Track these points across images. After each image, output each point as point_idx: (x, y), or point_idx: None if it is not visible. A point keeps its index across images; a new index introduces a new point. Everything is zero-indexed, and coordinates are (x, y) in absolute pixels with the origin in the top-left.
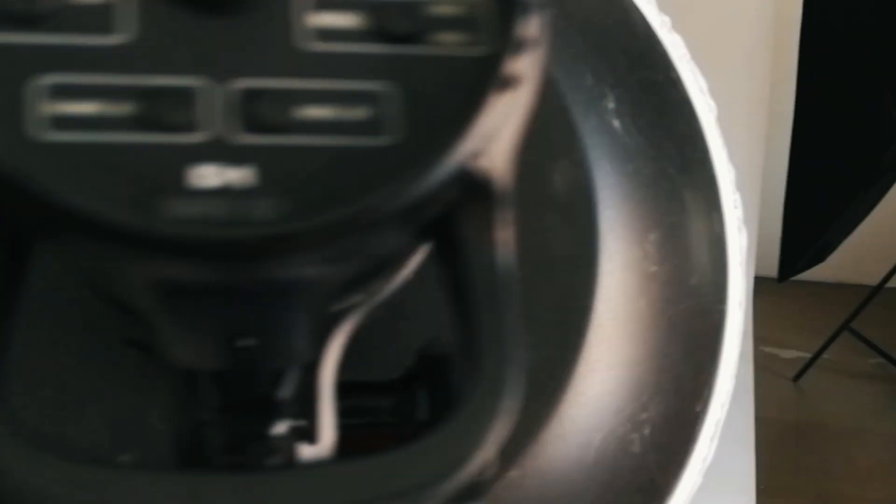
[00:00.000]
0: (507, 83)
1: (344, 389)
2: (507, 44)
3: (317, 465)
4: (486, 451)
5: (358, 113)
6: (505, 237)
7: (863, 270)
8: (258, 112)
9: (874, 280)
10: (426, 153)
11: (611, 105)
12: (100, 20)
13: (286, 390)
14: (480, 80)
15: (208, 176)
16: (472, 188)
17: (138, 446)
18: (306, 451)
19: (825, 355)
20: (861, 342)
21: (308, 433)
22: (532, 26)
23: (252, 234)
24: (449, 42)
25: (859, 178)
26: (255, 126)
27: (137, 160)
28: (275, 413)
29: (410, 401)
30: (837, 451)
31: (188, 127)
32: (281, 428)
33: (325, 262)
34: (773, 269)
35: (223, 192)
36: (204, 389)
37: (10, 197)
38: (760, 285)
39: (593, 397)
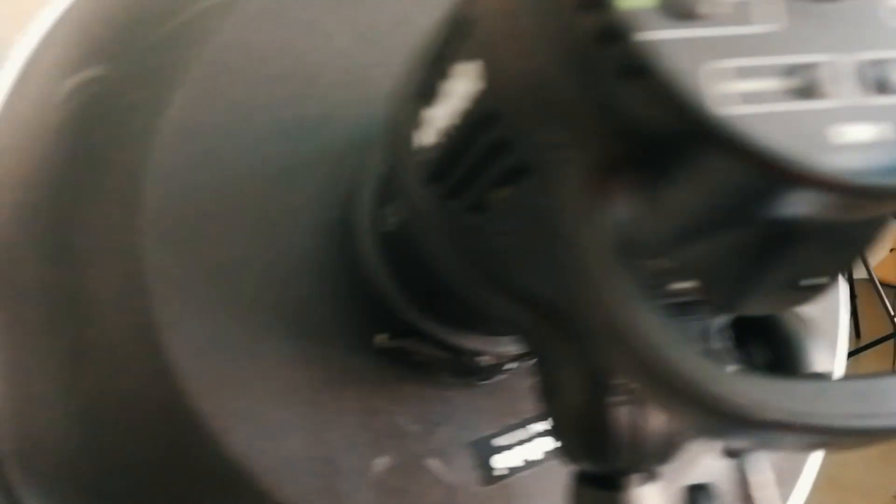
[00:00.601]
0: None
1: None
2: None
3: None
4: None
5: None
6: None
7: None
8: (880, 78)
9: None
10: None
11: None
12: (743, 13)
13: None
14: None
15: (855, 133)
16: None
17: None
18: None
19: None
20: None
21: None
22: None
23: None
24: None
25: None
26: (880, 89)
27: (796, 124)
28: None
29: (749, 356)
30: None
31: (833, 94)
32: None
33: None
34: None
35: (871, 146)
36: None
37: (710, 159)
38: None
39: None
